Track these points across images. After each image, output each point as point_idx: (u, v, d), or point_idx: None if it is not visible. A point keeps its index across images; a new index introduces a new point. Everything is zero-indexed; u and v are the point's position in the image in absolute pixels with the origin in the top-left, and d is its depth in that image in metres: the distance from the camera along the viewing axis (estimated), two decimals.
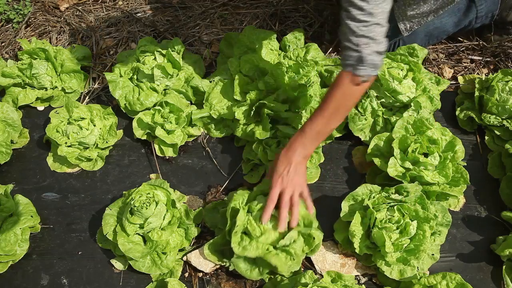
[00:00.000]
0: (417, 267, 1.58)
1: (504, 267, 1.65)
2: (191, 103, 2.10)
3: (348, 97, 1.54)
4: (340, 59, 1.48)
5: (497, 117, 1.92)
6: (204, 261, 1.70)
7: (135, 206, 1.63)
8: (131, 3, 2.55)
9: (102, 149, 1.98)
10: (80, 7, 2.56)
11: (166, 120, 1.93)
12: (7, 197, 1.79)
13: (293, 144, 1.60)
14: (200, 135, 2.05)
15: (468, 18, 2.06)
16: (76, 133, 1.93)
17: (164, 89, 2.07)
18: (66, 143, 1.91)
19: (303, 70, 1.95)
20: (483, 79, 2.04)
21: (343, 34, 1.45)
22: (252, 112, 1.88)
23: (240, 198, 1.66)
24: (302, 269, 1.70)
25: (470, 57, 2.25)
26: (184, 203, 1.85)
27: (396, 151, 1.75)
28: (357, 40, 1.41)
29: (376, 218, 1.60)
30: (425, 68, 2.15)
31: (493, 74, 2.04)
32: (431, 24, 2.03)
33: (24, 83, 2.13)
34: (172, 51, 2.08)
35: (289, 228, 1.60)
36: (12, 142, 2.00)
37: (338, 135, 1.95)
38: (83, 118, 1.96)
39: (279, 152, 1.64)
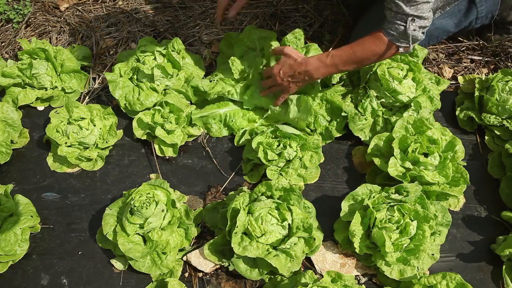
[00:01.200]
0: (417, 267, 1.58)
1: (504, 267, 1.65)
2: (191, 103, 2.10)
3: (380, 57, 1.68)
4: (384, 23, 1.62)
5: (497, 117, 1.92)
6: (204, 261, 1.70)
7: (135, 206, 1.63)
8: (131, 3, 2.55)
9: (102, 149, 1.98)
10: (80, 7, 2.55)
11: (166, 120, 1.93)
12: (7, 197, 1.79)
13: (309, 60, 1.78)
14: (200, 135, 2.05)
15: (469, 19, 2.06)
16: (76, 133, 1.93)
17: (164, 89, 2.07)
18: (66, 143, 1.91)
19: None
20: (483, 79, 2.04)
21: (389, 9, 1.56)
22: None
23: (241, 198, 1.66)
24: (302, 269, 1.70)
25: (470, 57, 2.25)
26: (184, 203, 1.85)
27: (396, 151, 1.75)
28: (405, 17, 1.53)
29: (376, 218, 1.60)
30: (425, 68, 2.15)
31: (493, 74, 2.04)
32: (432, 24, 2.03)
33: (24, 83, 2.13)
34: (172, 51, 2.08)
35: (289, 233, 1.61)
36: (12, 142, 2.00)
37: (338, 135, 1.96)
38: (83, 118, 1.96)
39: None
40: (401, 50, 1.62)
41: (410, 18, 1.53)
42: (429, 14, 1.55)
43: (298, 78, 1.82)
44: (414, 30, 1.55)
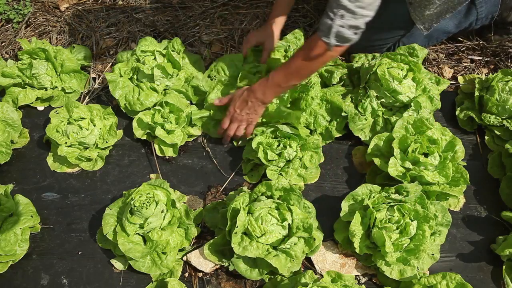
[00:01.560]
0: (417, 267, 1.58)
1: (504, 267, 1.65)
2: (191, 103, 2.10)
3: (312, 60, 1.62)
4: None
5: (497, 117, 1.92)
6: (204, 261, 1.70)
7: (135, 206, 1.63)
8: (131, 3, 2.55)
9: (102, 149, 1.98)
10: (80, 7, 2.56)
11: (166, 120, 1.93)
12: (7, 197, 1.79)
13: (254, 88, 1.80)
14: (200, 135, 2.05)
15: (469, 20, 2.07)
16: (76, 133, 1.93)
17: (164, 89, 2.07)
18: (66, 143, 1.91)
19: None
20: (483, 79, 2.04)
21: (328, 2, 1.48)
22: None
23: (241, 198, 1.66)
24: (302, 269, 1.70)
25: (470, 57, 2.25)
26: (184, 203, 1.85)
27: (396, 151, 1.75)
28: (336, 10, 1.44)
29: (376, 218, 1.60)
30: (425, 68, 2.15)
31: (493, 74, 2.04)
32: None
33: (24, 83, 2.13)
34: (172, 51, 2.08)
35: (289, 233, 1.61)
36: (12, 142, 2.00)
37: (338, 135, 1.96)
38: (83, 118, 1.96)
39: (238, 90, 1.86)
40: (329, 47, 1.53)
41: (340, 13, 1.43)
42: (364, 14, 1.45)
43: (253, 107, 1.82)
44: (341, 26, 1.45)
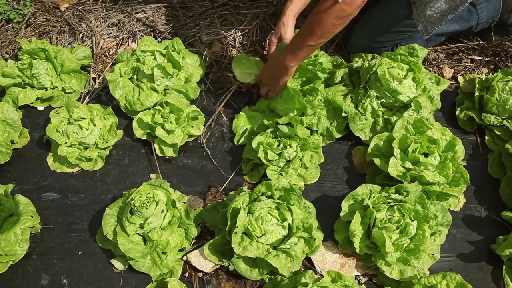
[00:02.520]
0: (417, 267, 1.58)
1: (504, 267, 1.65)
2: (191, 103, 2.10)
3: (322, 15, 1.59)
4: None
5: (497, 117, 1.92)
6: (204, 261, 1.70)
7: (135, 206, 1.63)
8: (131, 3, 2.55)
9: (102, 149, 1.98)
10: (80, 7, 2.55)
11: (166, 120, 1.93)
12: (7, 197, 1.79)
13: (278, 54, 1.86)
14: (200, 135, 2.05)
15: (469, 24, 2.07)
16: (76, 133, 1.93)
17: (164, 89, 2.07)
18: (66, 143, 1.91)
19: None
20: (483, 79, 2.04)
21: None
22: None
23: (241, 198, 1.66)
24: (302, 269, 1.70)
25: (470, 57, 2.25)
26: (184, 203, 1.85)
27: (397, 151, 1.75)
28: None
29: (376, 218, 1.60)
30: (425, 68, 2.15)
31: (493, 74, 2.04)
32: None
33: (24, 83, 2.13)
34: (172, 51, 2.08)
35: (290, 233, 1.61)
36: (12, 142, 2.00)
37: (338, 135, 1.96)
38: (83, 118, 1.96)
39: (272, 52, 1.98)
40: (339, 0, 1.53)
41: None
42: None
43: (276, 73, 1.87)
44: None
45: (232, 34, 2.37)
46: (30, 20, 2.52)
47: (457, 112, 2.03)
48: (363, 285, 1.63)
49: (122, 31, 2.43)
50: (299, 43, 1.74)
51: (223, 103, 2.12)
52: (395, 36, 2.03)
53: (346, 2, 1.54)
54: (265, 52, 2.21)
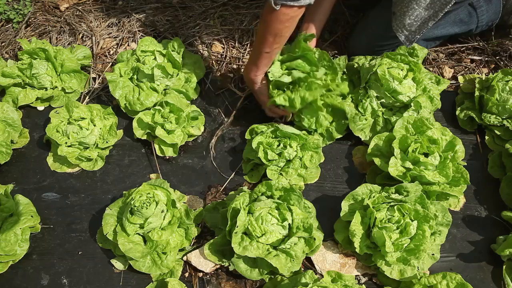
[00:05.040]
0: (417, 267, 1.58)
1: (504, 267, 1.65)
2: (191, 103, 2.10)
3: (267, 23, 1.62)
4: None
5: (497, 117, 1.92)
6: (204, 261, 1.70)
7: (135, 206, 1.63)
8: (131, 3, 2.55)
9: (102, 149, 1.98)
10: (80, 7, 2.55)
11: (166, 120, 1.93)
12: (7, 197, 1.79)
13: (244, 71, 1.89)
14: (200, 135, 2.05)
15: (469, 28, 2.08)
16: (76, 133, 1.93)
17: (164, 89, 2.07)
18: (66, 143, 1.91)
19: None
20: (483, 78, 2.04)
21: None
22: None
23: (241, 198, 1.66)
24: (302, 269, 1.70)
25: (470, 57, 2.25)
26: (184, 203, 1.85)
27: (397, 151, 1.75)
28: None
29: (376, 218, 1.60)
30: (425, 68, 2.15)
31: (493, 74, 2.04)
32: (431, 33, 2.03)
33: (24, 83, 2.13)
34: (172, 51, 2.08)
35: (290, 232, 1.61)
36: (12, 142, 2.00)
37: (339, 136, 1.95)
38: (83, 118, 1.96)
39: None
40: (277, 8, 1.53)
41: None
42: None
43: (251, 87, 1.91)
44: None
45: (232, 34, 2.37)
46: (30, 20, 2.52)
47: (457, 112, 2.03)
48: (363, 285, 1.63)
49: (122, 31, 2.43)
50: (256, 53, 1.77)
51: (236, 107, 2.10)
52: (394, 39, 2.04)
53: (286, 6, 1.55)
54: None
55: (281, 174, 1.86)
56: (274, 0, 1.52)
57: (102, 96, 2.20)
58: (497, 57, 2.22)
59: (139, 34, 2.40)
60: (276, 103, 1.79)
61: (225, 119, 2.09)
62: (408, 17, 1.83)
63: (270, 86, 1.85)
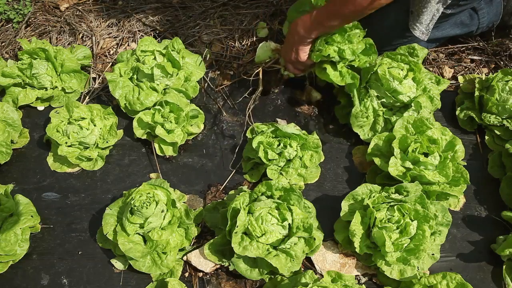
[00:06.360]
0: (417, 267, 1.58)
1: (504, 266, 1.65)
2: (191, 102, 2.10)
3: (356, 6, 1.59)
4: None
5: (497, 117, 1.92)
6: (204, 261, 1.70)
7: (135, 206, 1.63)
8: (131, 3, 2.55)
9: (103, 148, 1.98)
10: (80, 7, 2.55)
11: (166, 119, 1.93)
12: (7, 197, 1.79)
13: (297, 23, 1.77)
14: (200, 133, 2.05)
15: (470, 29, 2.08)
16: (76, 133, 1.93)
17: (164, 89, 2.07)
18: (66, 143, 1.91)
19: None
20: (483, 78, 2.04)
21: None
22: None
23: (241, 198, 1.66)
24: (302, 269, 1.70)
25: (470, 56, 2.25)
26: (184, 202, 1.85)
27: (397, 151, 1.75)
28: None
29: (376, 217, 1.60)
30: (425, 68, 2.15)
31: (493, 73, 2.04)
32: (432, 34, 2.03)
33: (24, 83, 2.13)
34: (172, 50, 2.08)
35: (290, 232, 1.61)
36: (12, 142, 2.00)
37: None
38: (83, 118, 1.96)
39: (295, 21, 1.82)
40: None
41: None
42: None
43: (292, 43, 1.82)
44: None
45: (232, 34, 2.37)
46: (30, 20, 2.52)
47: (457, 112, 2.03)
48: (363, 285, 1.63)
49: (122, 31, 2.43)
50: (324, 20, 1.70)
51: (250, 109, 2.01)
52: (395, 41, 2.03)
53: None
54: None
55: (281, 173, 1.86)
56: None
57: (102, 96, 2.21)
58: (497, 57, 2.22)
59: (139, 34, 2.40)
60: (325, 55, 1.79)
61: (225, 114, 2.10)
62: (425, 13, 1.87)
63: (319, 41, 1.81)
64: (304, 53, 1.84)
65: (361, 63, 1.86)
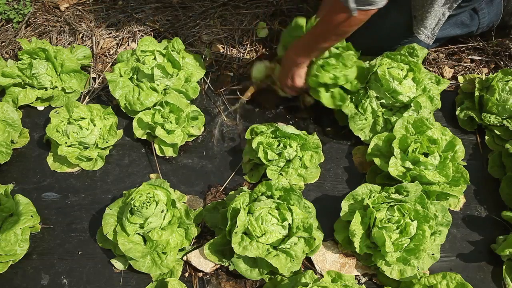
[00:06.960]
0: (417, 267, 1.58)
1: (504, 266, 1.65)
2: (191, 103, 2.10)
3: (336, 26, 1.60)
4: None
5: (497, 117, 1.92)
6: (204, 261, 1.70)
7: (135, 206, 1.63)
8: (131, 3, 2.55)
9: (102, 149, 1.98)
10: (80, 7, 2.55)
11: (166, 120, 1.93)
12: (7, 197, 1.79)
13: (289, 49, 1.84)
14: (200, 135, 2.05)
15: (470, 30, 2.08)
16: (76, 133, 1.93)
17: (164, 89, 2.07)
18: (66, 143, 1.91)
19: None
20: (483, 78, 2.04)
21: None
22: None
23: (241, 198, 1.66)
24: (302, 269, 1.70)
25: (470, 56, 2.25)
26: (184, 202, 1.85)
27: (397, 151, 1.75)
28: None
29: (376, 217, 1.60)
30: (425, 68, 2.15)
31: (493, 73, 2.04)
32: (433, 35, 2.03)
33: (24, 83, 2.13)
34: (172, 51, 2.08)
35: (290, 232, 1.61)
36: (12, 142, 2.00)
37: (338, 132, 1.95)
38: (83, 118, 1.96)
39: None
40: (354, 14, 1.49)
41: None
42: None
43: (291, 70, 1.85)
44: None
45: (232, 34, 2.37)
46: (30, 20, 2.52)
47: (457, 112, 2.03)
48: (363, 285, 1.63)
49: (122, 31, 2.43)
50: (310, 47, 1.74)
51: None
52: (395, 42, 2.03)
53: (363, 11, 1.52)
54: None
55: (281, 174, 1.86)
56: (351, 6, 1.47)
57: (102, 96, 2.21)
58: (497, 57, 2.22)
59: (139, 34, 2.40)
60: (321, 81, 1.82)
61: (225, 118, 2.09)
62: (429, 17, 1.88)
63: (315, 67, 1.83)
64: (299, 78, 1.86)
65: (352, 86, 1.89)
